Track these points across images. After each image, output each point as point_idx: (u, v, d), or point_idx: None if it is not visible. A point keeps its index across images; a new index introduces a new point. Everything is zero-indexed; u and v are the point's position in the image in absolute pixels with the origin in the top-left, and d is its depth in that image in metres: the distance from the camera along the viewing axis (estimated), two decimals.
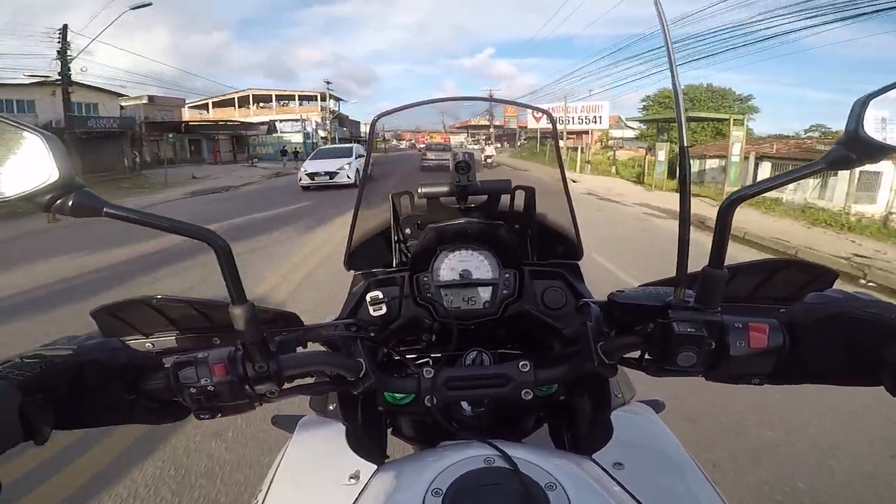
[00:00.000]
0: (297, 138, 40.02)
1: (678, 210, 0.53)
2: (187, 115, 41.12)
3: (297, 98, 47.83)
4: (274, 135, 41.11)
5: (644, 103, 36.02)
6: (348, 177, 14.95)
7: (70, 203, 0.43)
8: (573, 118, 27.47)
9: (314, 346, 0.69)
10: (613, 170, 22.64)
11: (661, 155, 16.31)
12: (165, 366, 0.54)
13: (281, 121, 43.25)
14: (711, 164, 16.84)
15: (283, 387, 0.57)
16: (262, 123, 42.50)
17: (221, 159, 35.99)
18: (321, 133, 43.03)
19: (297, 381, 0.61)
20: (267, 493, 0.61)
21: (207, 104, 46.79)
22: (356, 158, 16.33)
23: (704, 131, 28.56)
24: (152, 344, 0.74)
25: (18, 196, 0.42)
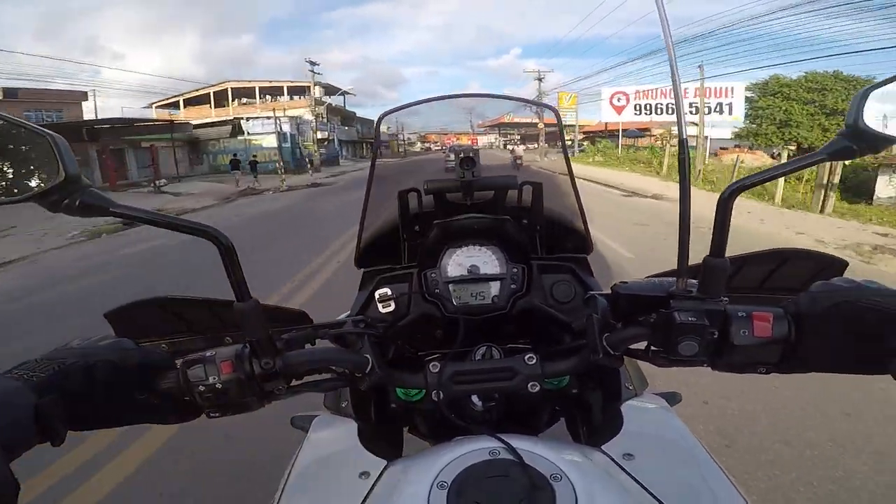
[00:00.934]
0: (272, 141, 29.25)
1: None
2: (155, 116, 33.78)
3: (285, 91, 40.03)
4: (240, 137, 31.08)
5: (749, 93, 26.88)
6: None
7: (77, 202, 0.44)
8: (688, 106, 18.41)
9: (324, 344, 0.70)
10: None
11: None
12: (176, 365, 0.55)
13: (248, 119, 32.14)
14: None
15: (291, 384, 0.58)
16: (222, 123, 32.28)
17: (136, 178, 23.07)
18: (319, 134, 36.24)
19: (307, 378, 0.62)
20: (282, 491, 0.61)
21: (178, 102, 39.22)
22: None
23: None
24: (166, 345, 0.75)
25: (27, 196, 0.43)
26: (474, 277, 0.88)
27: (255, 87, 39.57)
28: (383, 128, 1.06)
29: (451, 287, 0.88)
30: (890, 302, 0.47)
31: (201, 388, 0.53)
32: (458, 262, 0.89)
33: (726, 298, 0.53)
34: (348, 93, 46.22)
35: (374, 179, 0.93)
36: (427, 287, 0.88)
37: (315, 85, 37.27)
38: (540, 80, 35.81)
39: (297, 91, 39.86)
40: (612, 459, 0.58)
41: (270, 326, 0.55)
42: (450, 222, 0.88)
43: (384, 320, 0.80)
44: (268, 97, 39.48)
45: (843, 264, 0.69)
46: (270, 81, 40.66)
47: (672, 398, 0.81)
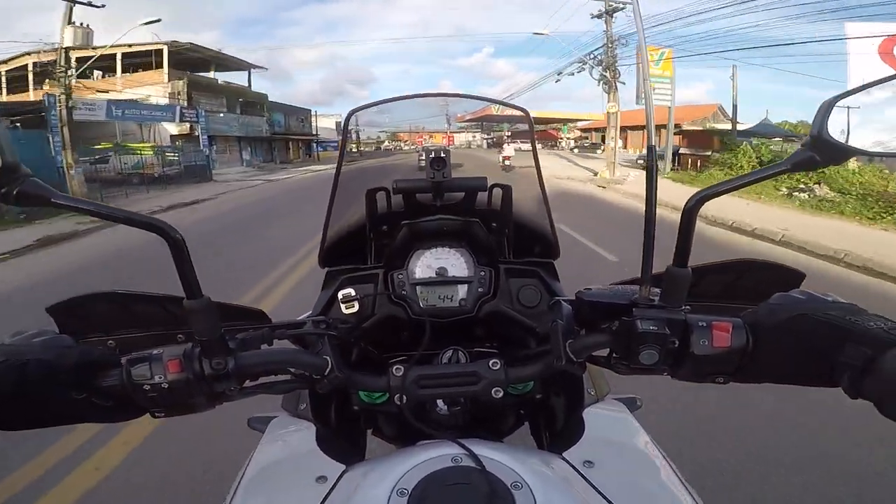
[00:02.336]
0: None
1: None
2: None
3: (119, 62, 24.29)
4: None
5: None
6: None
7: (16, 192, 0.42)
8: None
9: (284, 344, 0.68)
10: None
11: None
12: (121, 363, 0.52)
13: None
14: None
15: (245, 385, 0.56)
16: None
17: None
18: (172, 128, 24.15)
19: (263, 379, 0.60)
20: (234, 494, 0.60)
21: None
22: None
23: None
24: (114, 341, 0.72)
25: None
26: (442, 280, 0.87)
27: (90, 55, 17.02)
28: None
29: (418, 289, 0.87)
30: (842, 315, 0.48)
31: (146, 387, 0.50)
32: (426, 263, 0.88)
33: (688, 307, 0.54)
34: (254, 67, 33.29)
35: (339, 178, 0.91)
36: (393, 288, 0.87)
37: (165, 47, 24.10)
38: (608, 13, 17.84)
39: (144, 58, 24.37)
40: (573, 467, 0.58)
41: (225, 325, 0.53)
42: (419, 223, 0.87)
43: (347, 321, 0.79)
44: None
45: (801, 276, 0.71)
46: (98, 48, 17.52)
47: (633, 403, 0.82)
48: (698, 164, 18.53)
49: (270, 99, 36.45)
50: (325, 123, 51.31)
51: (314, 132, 44.83)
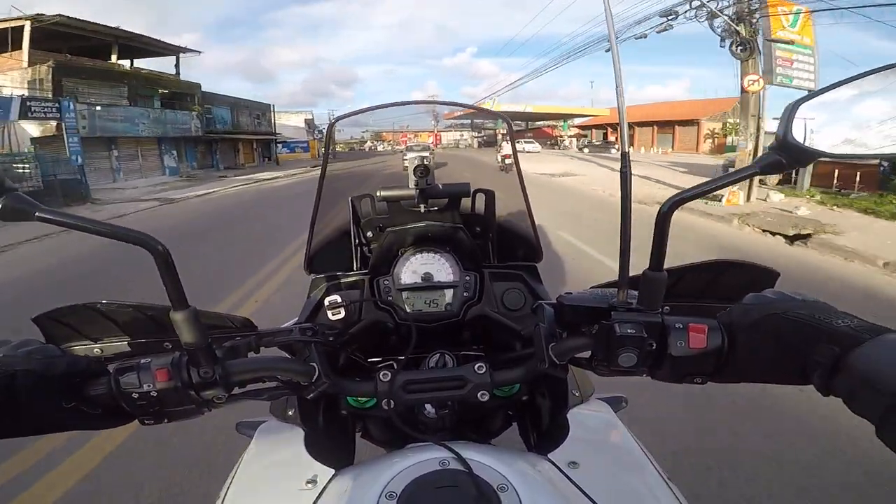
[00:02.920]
0: None
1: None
2: None
3: None
4: None
5: None
6: None
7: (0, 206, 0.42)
8: None
9: (270, 351, 0.69)
10: None
11: None
12: (109, 371, 0.53)
13: None
14: None
15: (233, 392, 0.56)
16: None
17: None
18: (32, 129, 15.70)
19: (251, 386, 0.61)
20: (223, 498, 0.60)
21: None
22: None
23: None
24: (100, 349, 0.72)
25: None
26: (428, 285, 0.88)
27: None
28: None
29: (404, 294, 0.88)
30: (813, 314, 0.49)
31: (135, 395, 0.51)
32: (411, 269, 0.89)
33: (667, 308, 0.55)
34: (182, 51, 25.40)
35: (323, 185, 0.91)
36: (379, 294, 0.88)
37: (27, 23, 17.39)
38: None
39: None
40: (558, 468, 0.59)
41: (211, 334, 0.53)
42: (404, 229, 0.88)
43: (334, 328, 0.79)
44: None
45: (775, 275, 0.72)
46: None
47: (618, 403, 0.83)
48: (855, 180, 10.78)
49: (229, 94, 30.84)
50: (296, 121, 47.15)
51: (274, 130, 37.29)
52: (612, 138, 43.39)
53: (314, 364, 0.63)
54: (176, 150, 24.82)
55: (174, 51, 25.56)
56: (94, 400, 0.52)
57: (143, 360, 0.52)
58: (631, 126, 41.93)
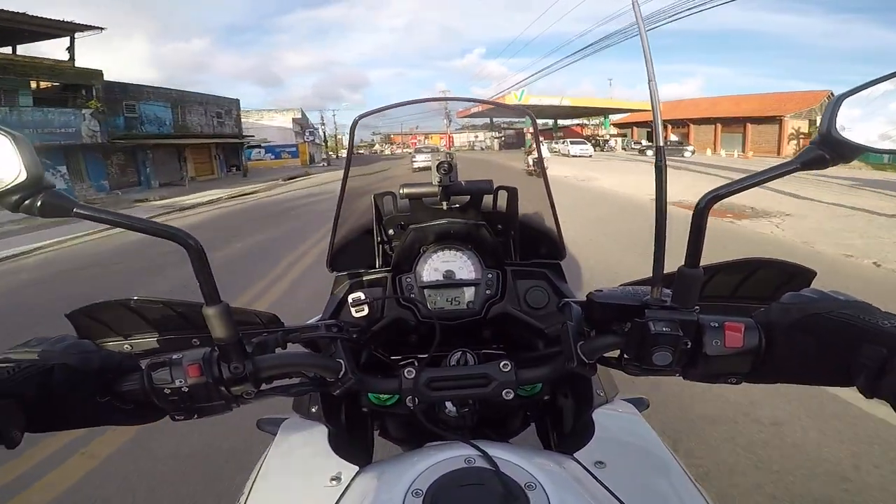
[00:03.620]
0: None
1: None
2: None
3: None
4: None
5: None
6: None
7: (39, 203, 0.43)
8: None
9: (296, 348, 0.69)
10: None
11: None
12: (141, 367, 0.54)
13: None
14: None
15: (261, 388, 0.57)
16: None
17: None
18: None
19: (277, 382, 0.61)
20: (248, 496, 0.60)
21: None
22: None
23: None
24: (130, 346, 0.73)
25: None
26: (450, 282, 0.87)
27: None
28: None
29: (426, 292, 0.87)
30: (857, 314, 0.48)
31: (167, 390, 0.52)
32: (433, 266, 0.89)
33: (698, 307, 0.53)
34: (79, 29, 17.53)
35: (346, 183, 0.91)
36: (402, 291, 0.87)
37: None
38: None
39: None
40: (584, 467, 0.58)
41: (240, 330, 0.53)
42: (426, 227, 0.88)
43: (357, 325, 0.79)
44: None
45: (811, 274, 0.71)
46: None
47: (640, 404, 0.82)
48: None
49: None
50: (282, 121, 39.36)
51: (241, 133, 29.39)
52: (674, 137, 34.55)
53: (341, 360, 0.63)
54: (66, 163, 17.42)
55: (67, 29, 17.61)
56: (126, 395, 0.53)
57: (174, 356, 0.53)
58: (684, 123, 35.91)
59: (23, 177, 0.42)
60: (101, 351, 0.54)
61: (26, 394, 0.47)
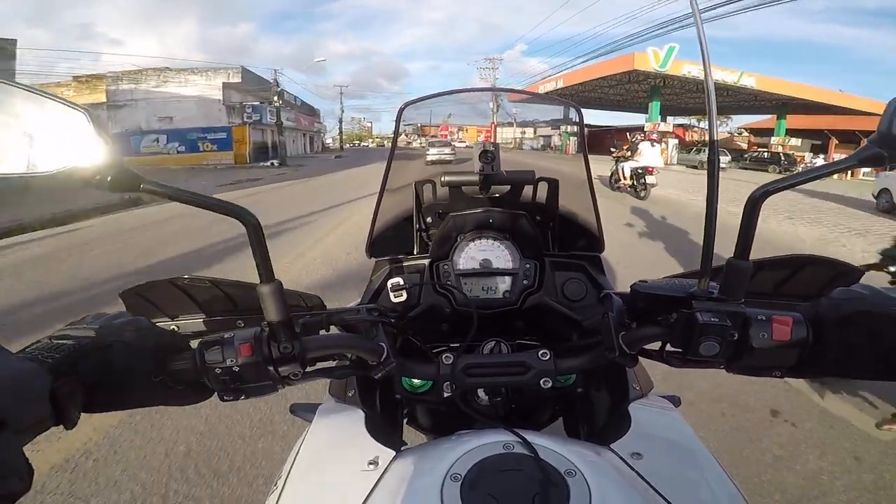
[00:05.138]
0: None
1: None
2: None
3: None
4: None
5: None
6: None
7: (109, 178, 0.44)
8: None
9: (336, 331, 0.70)
10: None
11: None
12: (191, 347, 0.55)
13: None
14: None
15: (306, 369, 0.57)
16: None
17: None
18: None
19: (320, 364, 0.62)
20: (287, 478, 0.61)
21: None
22: None
23: None
24: (177, 326, 0.75)
25: (60, 170, 0.43)
26: (486, 271, 0.88)
27: None
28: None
29: (462, 280, 0.88)
30: None
31: (218, 370, 0.52)
32: (470, 255, 0.89)
33: (742, 301, 0.53)
34: None
35: (389, 170, 0.92)
36: (439, 278, 0.88)
37: None
38: None
39: None
40: (622, 458, 0.58)
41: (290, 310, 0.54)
42: (465, 215, 0.89)
43: (395, 310, 0.80)
44: None
45: (860, 272, 0.69)
46: None
47: (673, 401, 0.81)
48: None
49: None
50: (205, 86, 24.66)
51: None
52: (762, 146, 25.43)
53: (383, 344, 0.64)
54: None
55: None
56: (178, 375, 0.53)
57: (226, 335, 0.53)
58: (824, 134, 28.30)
59: (97, 153, 0.43)
60: (155, 329, 0.55)
61: (86, 372, 0.48)
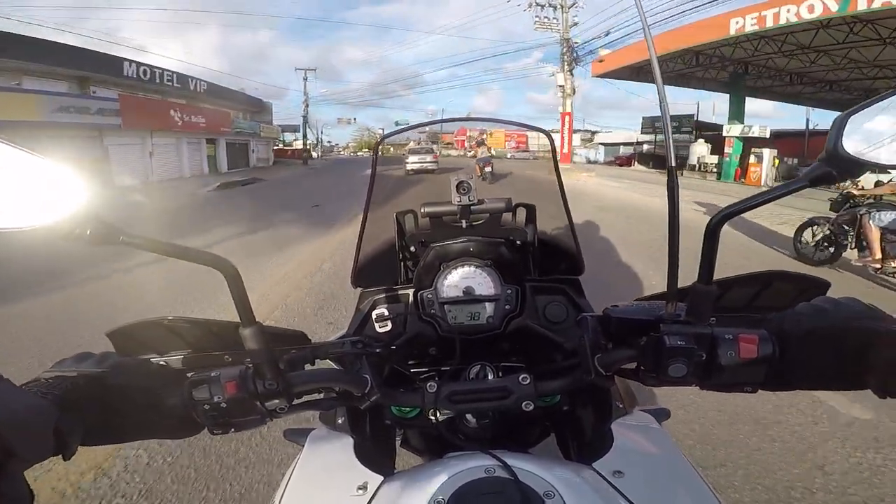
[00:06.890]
0: None
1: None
2: None
3: None
4: None
5: None
6: None
7: (88, 232, 0.43)
8: None
9: (323, 363, 0.72)
10: None
11: None
12: (181, 384, 0.56)
13: None
14: None
15: (293, 402, 0.59)
16: None
17: None
18: None
19: (306, 397, 0.63)
20: (280, 500, 0.62)
21: None
22: None
23: None
24: (165, 362, 0.76)
25: (35, 227, 0.42)
26: (469, 298, 0.90)
27: None
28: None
29: (446, 307, 0.90)
30: (868, 320, 0.50)
31: (206, 406, 0.54)
32: (453, 283, 0.91)
33: (713, 319, 0.55)
34: None
35: (370, 201, 0.94)
36: (423, 307, 0.90)
37: None
38: None
39: None
40: (603, 477, 0.59)
41: (271, 346, 0.56)
42: (446, 245, 0.90)
43: (380, 339, 0.82)
44: None
45: (825, 285, 0.71)
46: None
47: (661, 414, 0.82)
48: None
49: None
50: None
51: None
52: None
53: (366, 376, 0.66)
54: None
55: None
56: (169, 410, 0.55)
57: (213, 374, 0.55)
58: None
59: (73, 208, 0.42)
60: (145, 365, 0.57)
61: (88, 407, 0.49)
